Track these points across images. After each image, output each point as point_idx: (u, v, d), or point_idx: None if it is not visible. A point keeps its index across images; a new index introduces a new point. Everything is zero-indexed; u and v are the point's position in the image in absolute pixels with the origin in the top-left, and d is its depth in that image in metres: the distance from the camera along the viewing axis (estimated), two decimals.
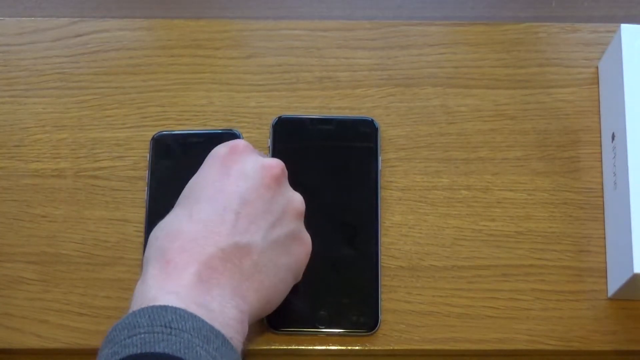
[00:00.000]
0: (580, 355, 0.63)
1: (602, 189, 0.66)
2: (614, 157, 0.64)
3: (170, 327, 0.46)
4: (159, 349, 0.45)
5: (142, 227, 0.64)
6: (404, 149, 0.67)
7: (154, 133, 0.67)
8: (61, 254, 0.64)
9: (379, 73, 0.69)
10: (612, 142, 0.65)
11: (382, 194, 0.66)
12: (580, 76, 0.69)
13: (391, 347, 0.63)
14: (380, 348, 0.63)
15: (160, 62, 0.70)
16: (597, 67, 0.69)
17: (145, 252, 0.54)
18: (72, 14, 0.75)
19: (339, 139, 0.66)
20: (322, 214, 0.64)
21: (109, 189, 0.66)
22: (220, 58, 0.70)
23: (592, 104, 0.69)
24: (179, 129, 0.67)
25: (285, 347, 0.62)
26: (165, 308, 0.47)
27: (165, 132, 0.67)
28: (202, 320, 0.48)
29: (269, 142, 0.66)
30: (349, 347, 0.62)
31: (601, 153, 0.67)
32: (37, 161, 0.67)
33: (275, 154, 0.65)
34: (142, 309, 0.48)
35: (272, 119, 0.67)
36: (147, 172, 0.66)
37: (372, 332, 0.62)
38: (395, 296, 0.64)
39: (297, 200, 0.58)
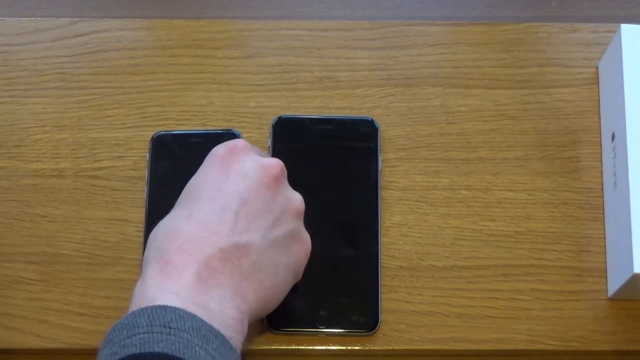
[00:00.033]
0: (580, 355, 0.63)
1: (602, 189, 0.66)
2: (614, 157, 0.64)
3: (170, 327, 0.46)
4: (158, 348, 0.45)
5: (142, 227, 0.64)
6: (404, 149, 0.67)
7: (153, 133, 0.67)
8: (61, 254, 0.64)
9: (379, 73, 0.69)
10: (612, 142, 0.65)
11: (382, 194, 0.66)
12: (580, 76, 0.69)
13: (391, 347, 0.63)
14: (380, 348, 0.63)
15: (160, 62, 0.70)
16: (597, 67, 0.69)
17: (145, 252, 0.54)
18: (72, 14, 0.75)
19: (339, 139, 0.66)
20: (322, 214, 0.64)
21: (109, 189, 0.66)
22: (220, 58, 0.70)
23: (592, 104, 0.69)
24: (179, 129, 0.67)
25: (285, 347, 0.62)
26: (164, 308, 0.47)
27: (164, 132, 0.67)
28: (201, 320, 0.48)
29: (269, 142, 0.66)
30: (349, 347, 0.62)
31: (601, 153, 0.67)
32: (37, 161, 0.67)
33: (275, 154, 0.65)
34: (142, 309, 0.48)
35: (272, 119, 0.67)
36: (146, 172, 0.66)
37: (372, 332, 0.62)
38: (395, 296, 0.64)
39: (296, 199, 0.58)
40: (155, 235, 0.54)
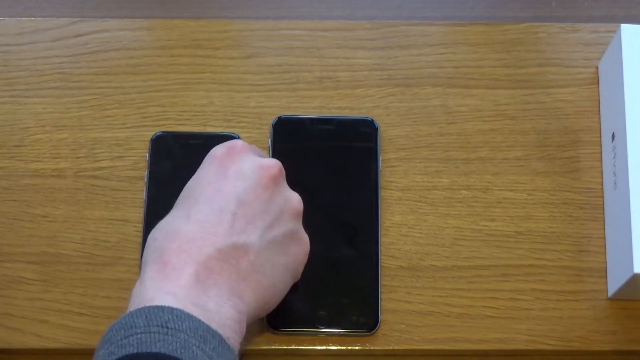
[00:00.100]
0: (580, 355, 0.63)
1: (602, 189, 0.66)
2: (614, 157, 0.64)
3: (167, 327, 0.46)
4: (155, 348, 0.45)
5: (141, 227, 0.64)
6: (404, 149, 0.67)
7: (153, 133, 0.67)
8: (61, 254, 0.64)
9: (379, 73, 0.69)
10: (612, 142, 0.65)
11: (382, 194, 0.66)
12: (580, 76, 0.69)
13: (391, 347, 0.63)
14: (380, 348, 0.63)
15: (160, 62, 0.70)
16: (597, 67, 0.69)
17: (144, 253, 0.54)
18: (72, 14, 0.75)
19: (339, 139, 0.66)
20: (322, 214, 0.64)
21: (109, 189, 0.66)
22: (220, 58, 0.70)
23: (592, 104, 0.69)
24: (179, 129, 0.67)
25: (285, 347, 0.62)
26: (162, 308, 0.47)
27: (163, 133, 0.67)
28: (199, 320, 0.48)
29: (269, 142, 0.66)
30: (349, 347, 0.62)
31: (601, 153, 0.67)
32: (37, 161, 0.67)
33: (275, 154, 0.65)
34: (139, 310, 0.48)
35: (272, 119, 0.67)
36: (146, 172, 0.66)
37: (372, 332, 0.62)
38: (395, 296, 0.64)
39: (294, 200, 0.58)
40: (153, 236, 0.54)
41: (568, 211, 0.66)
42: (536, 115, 0.68)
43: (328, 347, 0.62)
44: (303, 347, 0.62)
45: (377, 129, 0.67)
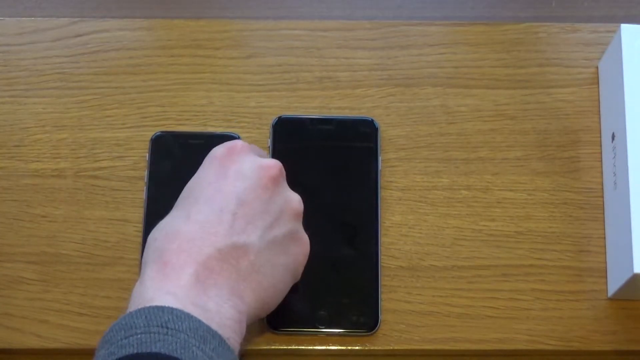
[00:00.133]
0: (580, 355, 0.63)
1: (602, 189, 0.66)
2: (614, 157, 0.64)
3: (167, 327, 0.46)
4: (155, 349, 0.45)
5: (141, 227, 0.64)
6: (404, 149, 0.67)
7: (153, 133, 0.67)
8: (61, 254, 0.64)
9: (379, 73, 0.69)
10: (612, 142, 0.65)
11: (382, 194, 0.66)
12: (580, 76, 0.69)
13: (391, 347, 0.63)
14: (380, 348, 0.63)
15: (160, 62, 0.70)
16: (597, 67, 0.69)
17: (144, 253, 0.54)
18: (72, 14, 0.75)
19: (339, 139, 0.66)
20: (322, 214, 0.64)
21: (109, 189, 0.66)
22: (220, 58, 0.70)
23: (592, 104, 0.69)
24: (179, 129, 0.67)
25: (285, 347, 0.62)
26: (161, 308, 0.47)
27: (163, 133, 0.67)
28: (199, 321, 0.48)
29: (269, 142, 0.66)
30: (349, 347, 0.62)
31: (601, 153, 0.67)
32: (37, 161, 0.67)
33: (275, 154, 0.65)
34: (139, 310, 0.48)
35: (272, 119, 0.67)
36: (145, 172, 0.66)
37: (372, 332, 0.62)
38: (395, 296, 0.64)
39: (294, 200, 0.58)
40: (153, 236, 0.54)
41: (568, 211, 0.66)
42: (536, 115, 0.68)
43: (328, 347, 0.62)
44: (303, 347, 0.62)
45: (377, 129, 0.67)
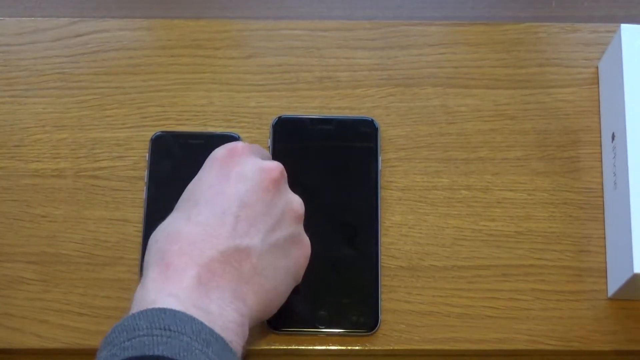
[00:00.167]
0: (580, 355, 0.63)
1: (602, 189, 0.66)
2: (614, 157, 0.64)
3: (170, 330, 0.46)
4: (158, 351, 0.45)
5: (141, 227, 0.64)
6: (404, 149, 0.67)
7: (153, 133, 0.67)
8: (61, 254, 0.64)
9: (379, 73, 0.69)
10: (612, 142, 0.65)
11: (382, 194, 0.66)
12: (580, 76, 0.69)
13: (391, 347, 0.63)
14: (380, 348, 0.63)
15: (160, 62, 0.70)
16: (597, 67, 0.69)
17: (145, 255, 0.54)
18: (72, 14, 0.75)
19: (339, 139, 0.66)
20: (322, 214, 0.64)
21: (109, 189, 0.66)
22: (220, 58, 0.70)
23: (592, 104, 0.69)
24: (179, 129, 0.67)
25: (285, 347, 0.62)
26: (164, 311, 0.47)
27: (163, 133, 0.67)
28: (202, 323, 0.48)
29: (269, 142, 0.66)
30: (349, 347, 0.62)
31: (601, 153, 0.67)
32: (37, 161, 0.67)
33: (275, 154, 0.65)
34: (141, 312, 0.47)
35: (272, 119, 0.67)
36: (145, 172, 0.66)
37: (372, 332, 0.62)
38: (395, 296, 0.64)
39: (296, 203, 0.58)
40: (155, 238, 0.54)
41: (568, 211, 0.66)
42: (536, 115, 0.68)
43: (328, 347, 0.62)
44: (303, 347, 0.62)
45: (377, 129, 0.67)
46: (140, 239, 0.64)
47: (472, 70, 0.69)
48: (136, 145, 0.67)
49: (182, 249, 0.51)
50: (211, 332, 0.48)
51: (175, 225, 0.54)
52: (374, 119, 0.67)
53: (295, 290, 0.59)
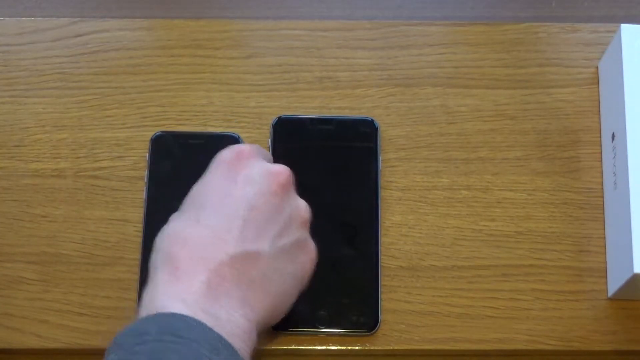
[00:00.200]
0: (580, 355, 0.63)
1: (602, 189, 0.66)
2: (614, 157, 0.64)
3: (179, 336, 0.46)
4: (166, 358, 0.45)
5: (141, 227, 0.64)
6: (404, 149, 0.67)
7: (153, 133, 0.67)
8: (61, 254, 0.64)
9: (379, 73, 0.69)
10: (612, 142, 0.65)
11: (382, 194, 0.66)
12: (580, 76, 0.69)
13: (391, 347, 0.63)
14: (380, 348, 0.63)
15: (160, 62, 0.70)
16: (597, 67, 0.69)
17: (152, 257, 0.53)
18: (72, 14, 0.75)
19: (339, 139, 0.66)
20: (322, 214, 0.64)
21: (109, 189, 0.66)
22: (220, 58, 0.70)
23: (592, 104, 0.69)
24: (179, 129, 0.67)
25: (285, 347, 0.62)
26: (173, 316, 0.47)
27: (163, 133, 0.67)
28: (211, 330, 0.47)
29: (269, 142, 0.66)
30: (349, 347, 0.62)
31: (601, 153, 0.67)
32: (37, 161, 0.67)
33: (275, 154, 0.65)
34: (151, 316, 0.47)
35: (272, 119, 0.67)
36: (145, 172, 0.66)
37: (372, 332, 0.62)
38: (395, 296, 0.64)
39: (303, 207, 0.57)
40: (162, 240, 0.53)
41: (568, 211, 0.66)
42: (536, 115, 0.68)
43: (328, 347, 0.62)
44: (303, 347, 0.62)
45: (377, 129, 0.67)
46: (140, 239, 0.64)
47: (472, 70, 0.69)
48: (136, 145, 0.67)
49: (191, 252, 0.51)
50: (220, 338, 0.47)
51: (183, 227, 0.53)
52: (374, 119, 0.67)
53: None
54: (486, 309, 0.63)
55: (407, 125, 0.68)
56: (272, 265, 0.53)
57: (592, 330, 0.63)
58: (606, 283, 0.64)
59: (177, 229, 0.53)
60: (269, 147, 0.66)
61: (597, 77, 0.69)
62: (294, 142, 0.66)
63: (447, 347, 0.63)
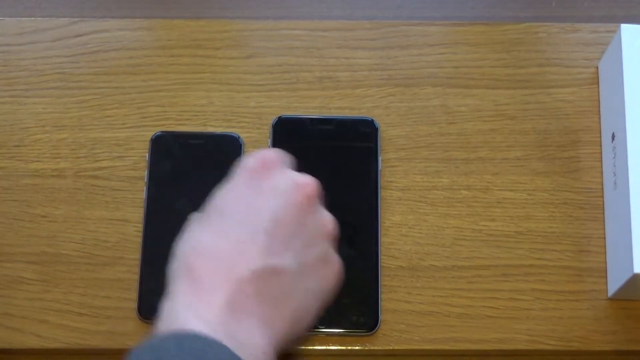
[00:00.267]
0: (580, 355, 0.63)
1: (602, 189, 0.66)
2: (614, 157, 0.64)
3: (199, 357, 0.44)
4: None
5: (141, 227, 0.64)
6: (404, 149, 0.67)
7: (153, 133, 0.67)
8: (61, 254, 0.64)
9: (379, 73, 0.69)
10: (612, 142, 0.65)
11: (382, 194, 0.66)
12: (580, 76, 0.69)
13: (391, 347, 0.63)
14: (380, 348, 0.63)
15: (160, 62, 0.70)
16: (597, 67, 0.69)
17: (172, 265, 0.50)
18: (72, 14, 0.75)
19: (339, 139, 0.66)
20: None
21: (109, 189, 0.66)
22: (220, 58, 0.70)
23: (592, 104, 0.69)
24: (179, 129, 0.67)
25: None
26: (194, 337, 0.45)
27: (163, 133, 0.67)
28: (231, 352, 0.45)
29: (269, 142, 0.66)
30: (349, 347, 0.62)
31: (601, 153, 0.67)
32: (37, 161, 0.67)
33: None
34: (171, 334, 0.46)
35: (272, 119, 0.67)
36: (146, 172, 0.66)
37: (372, 332, 0.62)
38: (395, 296, 0.64)
39: (329, 221, 0.54)
40: (182, 249, 0.51)
41: (568, 211, 0.66)
42: (536, 115, 0.68)
43: (328, 347, 0.62)
44: (303, 347, 0.62)
45: (377, 129, 0.67)
46: (140, 239, 0.64)
47: (472, 70, 0.69)
48: (136, 145, 0.67)
49: (213, 265, 0.49)
50: None
51: (204, 238, 0.50)
52: (374, 119, 0.67)
53: None
54: (486, 309, 0.63)
55: (407, 125, 0.68)
56: (295, 280, 0.51)
57: (592, 330, 0.63)
58: (606, 283, 0.64)
59: (198, 238, 0.51)
60: (269, 147, 0.66)
61: (597, 77, 0.69)
62: (294, 142, 0.66)
63: (447, 347, 0.63)
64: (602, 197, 0.66)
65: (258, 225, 0.50)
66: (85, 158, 0.67)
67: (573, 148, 0.67)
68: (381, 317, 0.63)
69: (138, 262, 0.64)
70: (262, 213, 0.51)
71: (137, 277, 0.63)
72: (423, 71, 0.69)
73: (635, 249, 0.58)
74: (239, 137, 0.66)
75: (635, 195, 0.60)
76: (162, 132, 0.67)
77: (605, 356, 0.63)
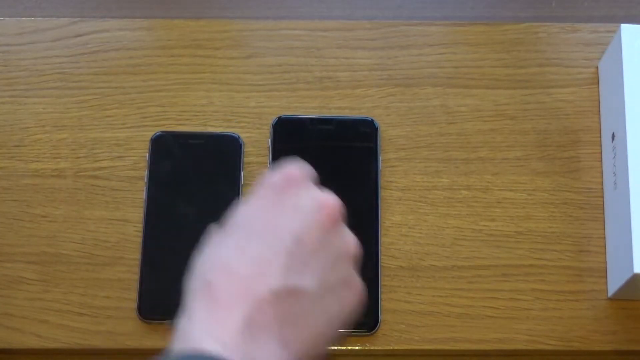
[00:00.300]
0: (580, 355, 0.63)
1: (602, 189, 0.66)
2: (614, 157, 0.64)
3: None
4: None
5: (141, 227, 0.64)
6: (404, 149, 0.67)
7: (153, 133, 0.67)
8: (61, 254, 0.64)
9: (379, 73, 0.69)
10: (612, 142, 0.65)
11: (382, 194, 0.66)
12: (580, 76, 0.69)
13: (391, 347, 0.63)
14: (380, 348, 0.63)
15: (160, 62, 0.70)
16: (597, 67, 0.69)
17: (190, 280, 0.49)
18: (72, 14, 0.75)
19: (339, 139, 0.66)
20: None
21: (109, 189, 0.66)
22: (220, 58, 0.70)
23: (592, 104, 0.69)
24: (179, 129, 0.67)
25: None
26: (209, 359, 0.44)
27: (163, 133, 0.67)
28: None
29: (269, 142, 0.66)
30: (349, 347, 0.62)
31: (601, 153, 0.67)
32: (37, 161, 0.67)
33: (275, 154, 0.65)
34: (188, 356, 0.45)
35: (272, 119, 0.67)
36: (146, 172, 0.66)
37: (372, 332, 0.62)
38: (395, 296, 0.64)
39: (352, 242, 0.53)
40: (201, 265, 0.49)
41: (568, 211, 0.66)
42: (536, 115, 0.68)
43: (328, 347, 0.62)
44: None
45: (377, 129, 0.67)
46: (140, 239, 0.64)
47: (472, 70, 0.69)
48: (136, 145, 0.67)
49: (232, 284, 0.48)
50: None
51: (225, 255, 0.49)
52: (374, 119, 0.67)
53: None
54: (486, 309, 0.63)
55: (407, 125, 0.68)
56: (315, 302, 0.49)
57: (592, 330, 0.63)
58: (606, 283, 0.64)
59: (218, 255, 0.49)
60: (269, 147, 0.66)
61: (597, 77, 0.69)
62: (294, 142, 0.66)
63: (447, 347, 0.63)
64: (602, 197, 0.66)
65: (280, 244, 0.49)
66: (85, 158, 0.67)
67: (573, 148, 0.67)
68: (381, 317, 0.63)
69: (138, 262, 0.64)
70: (284, 232, 0.50)
71: (137, 277, 0.63)
72: (423, 71, 0.69)
73: (635, 249, 0.58)
74: (239, 137, 0.66)
75: (635, 195, 0.60)
76: (162, 132, 0.67)
77: (605, 356, 0.63)
